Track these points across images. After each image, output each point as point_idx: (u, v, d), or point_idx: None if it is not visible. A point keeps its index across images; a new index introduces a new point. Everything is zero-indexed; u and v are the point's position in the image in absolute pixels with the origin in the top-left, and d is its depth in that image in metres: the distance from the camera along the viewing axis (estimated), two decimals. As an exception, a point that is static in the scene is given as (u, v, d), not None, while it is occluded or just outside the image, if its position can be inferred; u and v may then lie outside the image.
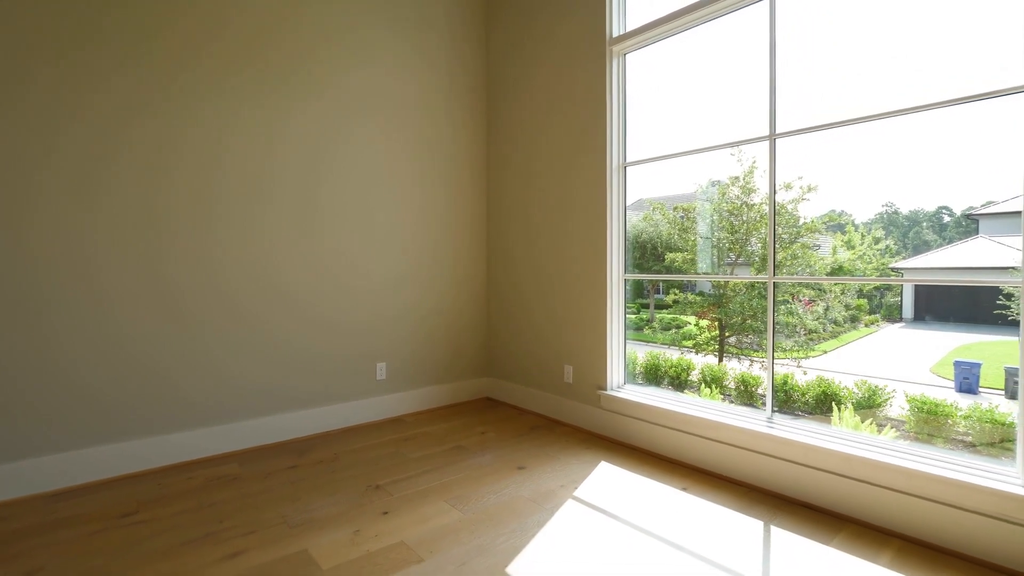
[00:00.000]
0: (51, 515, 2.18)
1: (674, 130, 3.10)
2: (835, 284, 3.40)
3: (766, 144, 2.50)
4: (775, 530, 2.03)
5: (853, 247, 3.11)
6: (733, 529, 2.04)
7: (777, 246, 3.23)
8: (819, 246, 3.48)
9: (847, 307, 3.52)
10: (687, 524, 2.08)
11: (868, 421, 3.13)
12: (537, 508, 2.22)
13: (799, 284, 3.42)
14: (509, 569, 1.78)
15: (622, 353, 3.18)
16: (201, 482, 2.51)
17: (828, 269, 3.31)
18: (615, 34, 3.08)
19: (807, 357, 3.56)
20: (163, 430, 2.68)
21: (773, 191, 2.53)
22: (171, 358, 2.70)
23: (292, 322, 3.09)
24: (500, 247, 3.92)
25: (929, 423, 2.93)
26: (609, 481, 2.50)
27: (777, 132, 2.46)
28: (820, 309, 3.58)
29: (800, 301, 3.55)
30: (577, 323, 3.30)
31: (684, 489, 2.41)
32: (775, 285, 2.56)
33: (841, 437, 2.25)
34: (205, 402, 2.81)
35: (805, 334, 3.54)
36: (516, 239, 3.76)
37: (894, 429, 3.07)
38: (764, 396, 3.44)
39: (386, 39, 3.46)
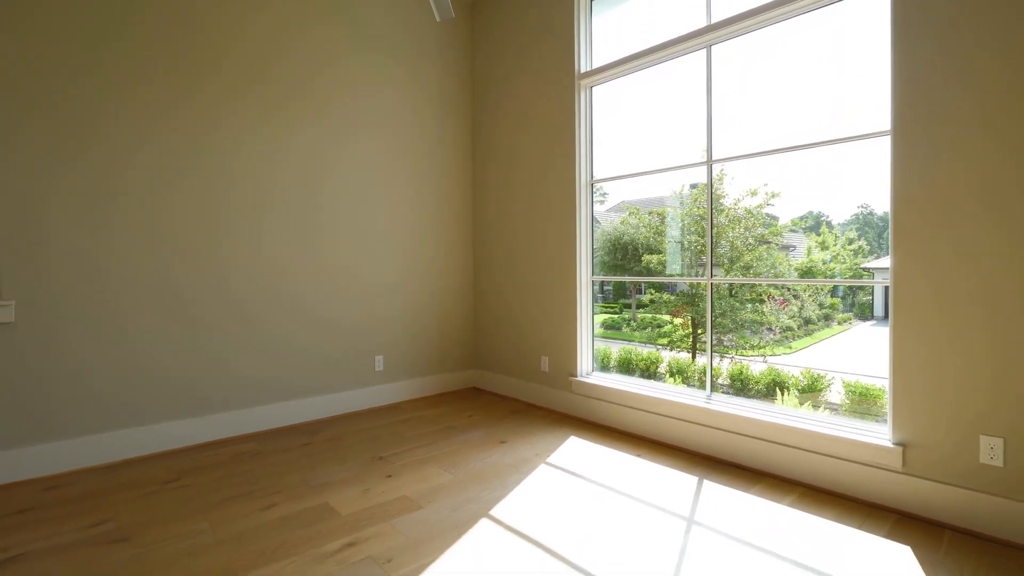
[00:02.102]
0: (104, 483, 2.58)
1: (636, 150, 3.58)
2: (807, 285, 3.69)
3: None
4: (707, 483, 2.52)
5: (827, 248, 3.29)
6: (674, 483, 2.53)
7: (743, 248, 3.66)
8: (794, 247, 3.84)
9: (821, 306, 3.81)
10: (638, 481, 2.56)
11: (807, 403, 3.63)
12: (515, 471, 2.69)
13: (771, 286, 3.77)
14: (492, 512, 2.24)
15: (590, 344, 3.66)
16: (228, 457, 2.92)
17: (803, 269, 3.55)
18: (582, 70, 3.56)
19: (774, 354, 3.98)
20: (185, 415, 3.09)
21: (711, 209, 3.02)
22: (185, 358, 3.10)
23: (298, 324, 3.51)
24: (484, 253, 4.38)
25: (861, 404, 3.44)
26: (576, 451, 2.97)
27: (713, 159, 2.96)
28: (795, 308, 3.98)
29: (775, 301, 3.85)
30: (552, 319, 3.78)
31: (638, 455, 2.89)
32: (715, 286, 3.03)
33: (761, 409, 2.75)
34: (221, 394, 3.22)
35: (780, 332, 3.92)
36: (498, 246, 4.23)
37: (828, 409, 3.56)
38: (723, 384, 3.90)
39: (383, 63, 3.89)
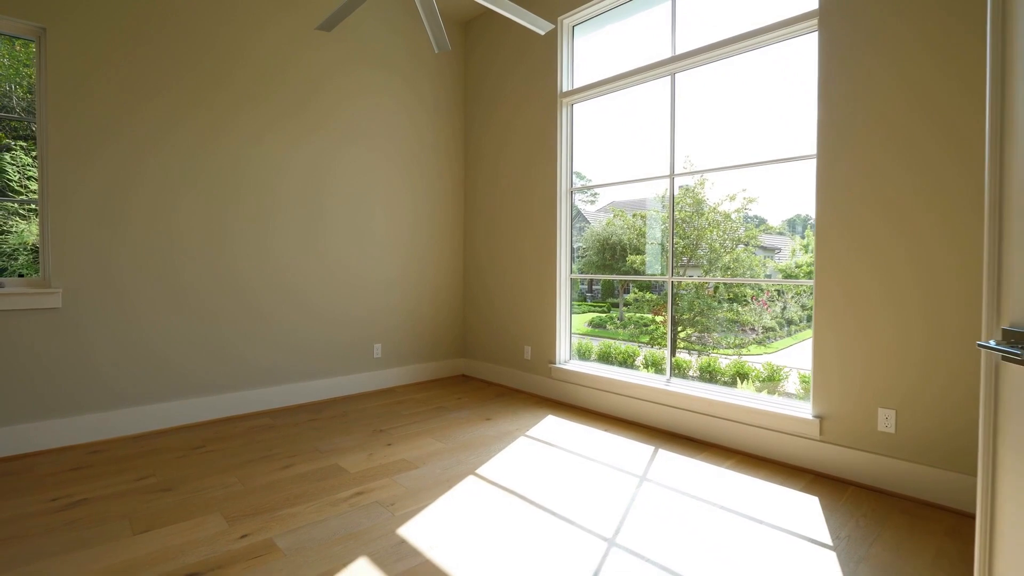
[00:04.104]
0: (139, 448, 2.96)
1: (617, 158, 3.98)
2: (792, 287, 4.00)
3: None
4: (661, 451, 2.96)
5: (809, 250, 3.42)
6: (634, 451, 2.96)
7: (722, 251, 4.00)
8: (779, 249, 4.15)
9: (803, 307, 3.96)
10: (603, 449, 2.99)
11: (764, 391, 4.05)
12: (498, 441, 3.11)
13: (743, 285, 4.10)
14: (478, 471, 2.65)
15: (568, 334, 4.08)
16: (245, 429, 3.31)
17: (787, 271, 3.80)
18: (564, 89, 3.98)
19: (749, 352, 4.32)
20: (204, 394, 3.47)
21: (672, 219, 3.45)
22: (201, 347, 3.48)
23: (303, 317, 3.89)
24: (473, 252, 4.79)
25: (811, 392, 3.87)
26: (553, 426, 3.40)
27: (676, 172, 3.40)
28: (777, 309, 4.26)
29: (758, 302, 4.10)
30: (534, 312, 4.20)
31: (606, 430, 3.33)
32: (674, 284, 3.47)
33: (710, 389, 3.19)
34: (234, 377, 3.60)
35: (762, 332, 4.21)
36: (486, 246, 4.64)
37: (783, 396, 3.98)
38: (695, 375, 4.29)
39: (383, 76, 4.27)
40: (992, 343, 0.96)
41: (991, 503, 1.02)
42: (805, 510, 2.27)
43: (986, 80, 1.00)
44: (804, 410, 2.76)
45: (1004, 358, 0.96)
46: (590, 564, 1.85)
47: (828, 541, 2.02)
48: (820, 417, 2.66)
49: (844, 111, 2.56)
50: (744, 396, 3.05)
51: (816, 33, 2.68)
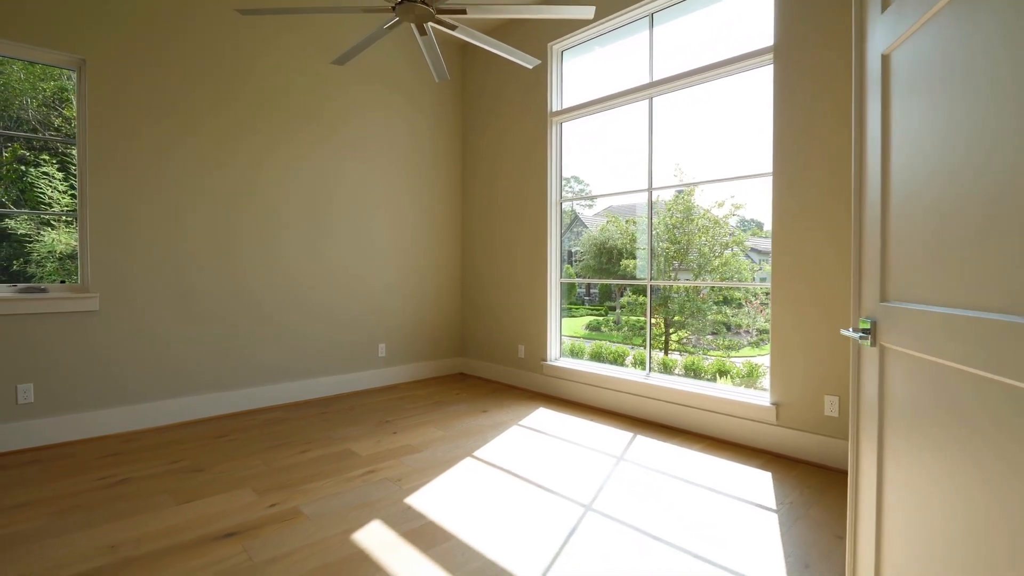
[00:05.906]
0: (167, 438, 3.28)
1: (605, 168, 4.33)
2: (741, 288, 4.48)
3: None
4: (639, 437, 3.30)
5: None
6: (614, 437, 3.30)
7: (711, 255, 4.31)
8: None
9: None
10: (588, 436, 3.33)
11: (743, 386, 4.38)
12: (493, 429, 3.44)
13: (733, 289, 4.55)
14: (475, 454, 2.99)
15: (558, 334, 4.43)
16: (261, 421, 3.63)
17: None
18: (554, 109, 4.33)
19: (739, 354, 4.59)
20: (221, 389, 3.79)
21: (651, 227, 3.80)
22: (216, 349, 3.82)
23: (312, 319, 4.22)
24: (470, 258, 5.13)
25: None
26: (543, 417, 3.74)
27: (653, 187, 3.75)
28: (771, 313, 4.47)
29: (752, 305, 4.35)
30: (527, 313, 4.54)
31: (591, 420, 3.67)
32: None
33: (684, 381, 3.54)
34: (248, 376, 3.93)
35: (757, 334, 4.39)
36: (482, 252, 4.98)
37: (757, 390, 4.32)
38: (680, 373, 4.62)
39: (385, 92, 4.61)
40: (851, 330, 1.31)
41: (857, 450, 1.37)
42: (759, 483, 2.61)
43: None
44: (763, 399, 3.11)
45: (860, 338, 1.31)
46: (568, 523, 2.19)
47: (773, 506, 2.36)
48: (776, 404, 3.01)
49: (801, 99, 2.92)
50: (713, 387, 3.40)
51: (771, 66, 3.05)
